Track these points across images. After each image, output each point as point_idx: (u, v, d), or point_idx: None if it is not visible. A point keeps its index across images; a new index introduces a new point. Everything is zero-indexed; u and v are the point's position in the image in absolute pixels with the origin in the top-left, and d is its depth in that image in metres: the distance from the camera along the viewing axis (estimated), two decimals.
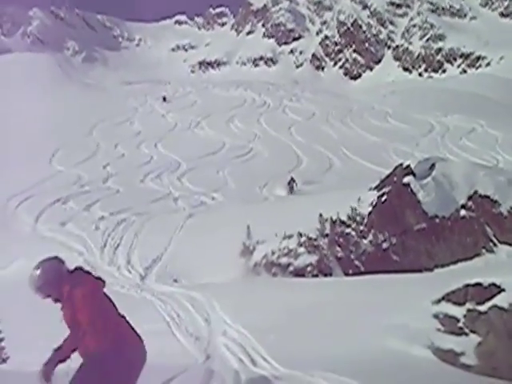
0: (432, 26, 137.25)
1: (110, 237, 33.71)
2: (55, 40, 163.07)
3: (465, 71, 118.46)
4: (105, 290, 5.72)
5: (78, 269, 5.72)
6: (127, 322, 5.63)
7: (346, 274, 24.59)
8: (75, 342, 5.41)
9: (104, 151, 61.40)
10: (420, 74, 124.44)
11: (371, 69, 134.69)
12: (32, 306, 20.99)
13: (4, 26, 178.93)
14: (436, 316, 12.29)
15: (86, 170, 53.84)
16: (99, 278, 5.75)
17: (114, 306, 5.68)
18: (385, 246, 26.09)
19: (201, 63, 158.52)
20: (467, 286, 11.94)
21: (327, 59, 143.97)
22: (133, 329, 5.57)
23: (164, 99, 78.02)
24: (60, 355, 5.62)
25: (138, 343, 5.48)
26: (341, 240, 26.00)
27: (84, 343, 5.33)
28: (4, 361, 14.07)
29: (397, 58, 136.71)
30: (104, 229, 35.39)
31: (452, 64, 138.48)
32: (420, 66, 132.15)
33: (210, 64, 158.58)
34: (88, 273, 5.66)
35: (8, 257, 31.87)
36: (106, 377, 5.13)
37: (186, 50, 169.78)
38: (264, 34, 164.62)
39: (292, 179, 45.03)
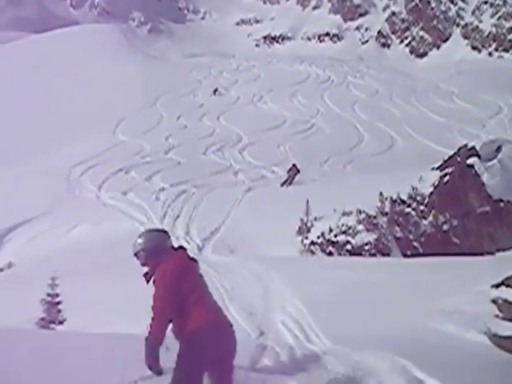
0: (505, 2, 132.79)
1: (169, 208, 34.09)
2: (121, 11, 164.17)
3: None
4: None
5: (181, 248, 5.77)
6: (219, 308, 5.65)
7: (405, 255, 24.32)
8: (165, 320, 5.33)
9: (167, 122, 61.87)
10: (490, 54, 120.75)
11: (438, 47, 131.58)
12: (92, 271, 21.55)
13: None
14: (494, 301, 12.07)
15: (148, 140, 54.40)
16: (195, 260, 5.79)
17: (207, 290, 5.70)
18: (445, 227, 25.68)
19: (265, 37, 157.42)
20: None
21: (393, 37, 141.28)
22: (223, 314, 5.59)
23: (215, 92, 73.51)
24: (157, 343, 5.38)
25: (227, 328, 5.49)
26: (400, 219, 25.70)
27: (178, 322, 5.36)
28: (61, 322, 14.44)
29: (465, 37, 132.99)
30: (164, 199, 35.82)
31: None
32: (490, 45, 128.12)
33: (274, 38, 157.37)
34: (184, 250, 5.69)
35: (71, 222, 32.65)
36: (203, 358, 5.12)
37: (251, 24, 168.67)
38: (330, 9, 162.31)
39: (294, 166, 39.43)
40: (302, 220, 26.90)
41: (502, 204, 27.22)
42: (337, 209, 26.65)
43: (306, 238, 26.04)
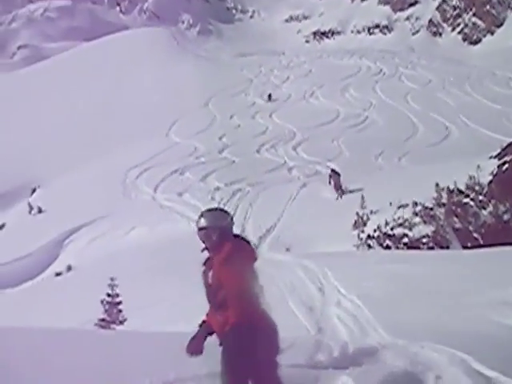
0: None
1: (225, 207, 34.21)
2: (170, 14, 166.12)
3: None
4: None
5: (239, 236, 5.61)
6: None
7: (464, 247, 23.86)
8: (215, 310, 5.24)
9: (219, 122, 62.26)
10: None
11: (492, 33, 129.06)
12: (150, 272, 21.77)
13: (122, 4, 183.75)
14: None
15: (202, 141, 54.82)
16: (254, 251, 5.57)
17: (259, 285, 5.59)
18: (506, 217, 25.12)
19: (315, 33, 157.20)
20: None
21: (445, 25, 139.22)
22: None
23: (269, 97, 71.63)
24: (207, 329, 5.37)
25: (273, 326, 5.38)
26: (458, 210, 25.24)
27: (224, 314, 5.17)
28: (121, 323, 14.61)
29: None
30: (219, 199, 36.02)
31: None
32: None
33: (324, 34, 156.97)
34: (248, 242, 5.56)
35: (129, 224, 33.10)
36: (249, 353, 5.05)
37: (300, 21, 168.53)
38: (379, 0, 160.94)
39: (333, 171, 35.39)
40: (357, 214, 26.71)
41: None
42: (393, 201, 26.36)
43: (362, 231, 25.83)
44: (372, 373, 7.21)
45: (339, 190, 32.88)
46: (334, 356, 8.40)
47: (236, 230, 20.40)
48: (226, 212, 5.59)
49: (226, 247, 5.19)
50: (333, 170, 35.23)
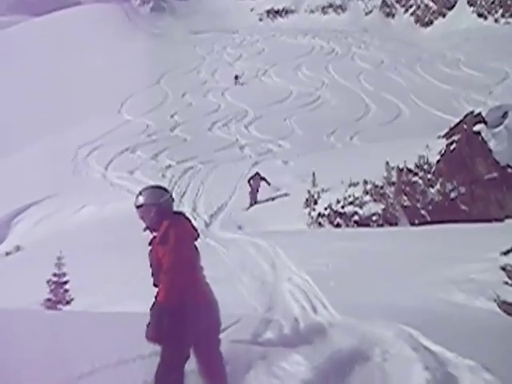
0: None
1: (176, 185, 34.10)
2: None
3: None
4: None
5: (180, 213, 5.47)
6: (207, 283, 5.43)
7: (412, 224, 24.21)
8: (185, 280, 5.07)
9: (172, 100, 61.79)
10: (496, 20, 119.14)
11: (444, 15, 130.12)
12: (100, 250, 21.55)
13: None
14: (504, 268, 11.96)
15: (153, 119, 54.35)
16: (195, 228, 5.48)
17: (199, 262, 5.47)
18: (453, 195, 25.54)
19: (268, 11, 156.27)
20: None
21: (398, 6, 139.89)
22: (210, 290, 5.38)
23: (236, 78, 69.13)
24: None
25: (210, 306, 5.27)
26: (407, 189, 25.55)
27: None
28: (68, 303, 14.42)
29: (471, 4, 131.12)
30: (171, 177, 35.81)
31: None
32: (496, 12, 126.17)
33: (277, 12, 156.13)
34: (189, 220, 5.40)
35: (79, 203, 32.68)
36: (193, 330, 4.97)
37: None
38: None
39: (257, 174, 30.61)
40: (309, 192, 26.81)
41: (509, 170, 27.03)
42: (344, 180, 26.54)
43: (313, 210, 25.95)
44: (321, 350, 7.24)
45: (253, 197, 28.66)
46: (284, 333, 8.42)
47: (187, 208, 20.41)
48: (164, 189, 5.49)
49: (164, 225, 5.10)
50: (257, 174, 30.08)
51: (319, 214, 25.59)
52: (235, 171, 34.78)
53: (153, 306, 5.09)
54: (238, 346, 7.10)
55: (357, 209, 24.99)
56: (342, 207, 25.32)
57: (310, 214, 25.87)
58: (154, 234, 5.25)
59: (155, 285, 5.11)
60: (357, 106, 56.28)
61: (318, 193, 26.78)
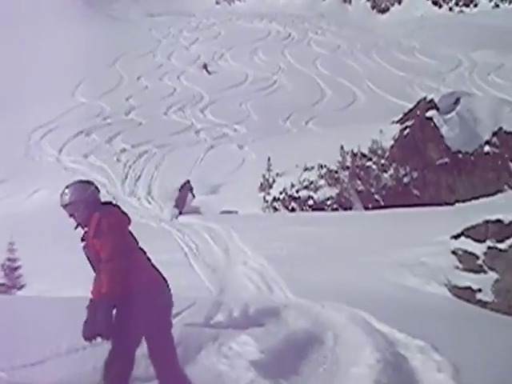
0: None
1: (131, 168, 33.86)
2: None
3: (497, 5, 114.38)
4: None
5: (108, 203, 5.31)
6: (152, 265, 5.31)
7: (366, 208, 24.47)
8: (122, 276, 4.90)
9: (127, 83, 61.03)
10: (450, 9, 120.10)
11: (400, 2, 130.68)
12: (52, 235, 21.28)
13: None
14: (454, 252, 12.16)
15: (108, 102, 53.63)
16: (125, 214, 5.26)
17: (138, 246, 5.35)
18: (406, 180, 25.89)
19: None
20: (487, 222, 11.77)
21: None
22: (158, 271, 5.26)
23: (205, 67, 65.02)
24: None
25: (157, 290, 5.16)
26: (362, 173, 25.81)
27: (97, 283, 4.95)
28: (20, 288, 14.26)
29: None
30: (125, 161, 35.51)
31: None
32: (451, 0, 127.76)
33: None
34: (117, 207, 5.22)
35: (31, 187, 32.17)
36: (142, 318, 4.89)
37: None
38: None
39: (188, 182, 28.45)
40: (263, 176, 26.86)
41: (460, 155, 27.50)
42: (298, 164, 26.64)
43: (268, 194, 26.03)
44: (273, 333, 7.28)
45: (181, 205, 25.80)
46: (234, 316, 8.44)
47: (142, 192, 20.25)
48: (87, 182, 5.31)
49: (95, 218, 4.98)
50: (188, 182, 27.65)
51: (274, 199, 25.69)
52: (190, 155, 34.63)
53: (91, 302, 4.99)
54: (190, 328, 7.11)
55: (311, 193, 25.15)
56: (297, 191, 25.45)
57: (265, 198, 25.94)
58: (86, 229, 5.12)
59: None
60: (313, 91, 56.32)
61: (273, 177, 26.86)
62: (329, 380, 6.06)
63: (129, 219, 5.19)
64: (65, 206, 5.11)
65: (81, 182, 5.28)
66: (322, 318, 8.39)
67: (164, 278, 5.19)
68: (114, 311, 4.90)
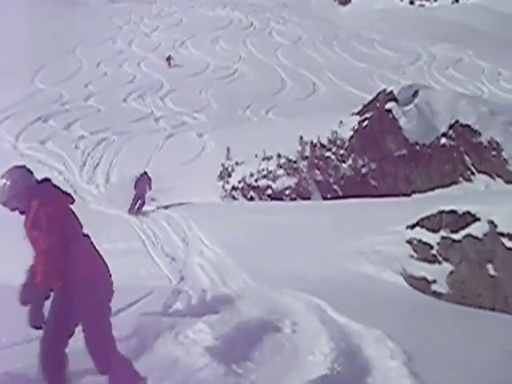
0: None
1: (89, 156, 33.55)
2: None
3: (457, 1, 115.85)
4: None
5: (47, 180, 5.04)
6: (94, 252, 5.18)
7: (325, 198, 24.63)
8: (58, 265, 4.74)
9: (86, 70, 60.28)
10: (411, 2, 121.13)
11: None
12: (9, 223, 20.99)
13: None
14: (410, 242, 12.33)
15: (67, 88, 52.91)
16: (68, 194, 5.06)
17: (81, 232, 5.21)
18: (364, 170, 26.13)
19: None
20: (442, 212, 11.94)
21: None
22: (100, 258, 5.13)
23: (168, 59, 61.01)
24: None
25: (97, 279, 5.03)
26: (320, 163, 25.97)
27: (33, 270, 4.85)
28: None
29: None
30: (84, 148, 35.17)
31: None
32: None
33: None
34: (56, 187, 4.97)
35: None
36: (80, 308, 4.78)
37: None
38: None
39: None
40: (223, 165, 26.85)
41: (417, 147, 27.86)
42: (258, 154, 26.67)
43: (227, 182, 26.04)
44: (228, 320, 7.31)
45: (138, 202, 21.85)
46: (192, 304, 8.46)
47: (100, 179, 20.02)
48: (15, 167, 4.96)
49: (32, 206, 4.78)
50: (145, 173, 23.50)
51: (233, 187, 25.71)
52: (150, 143, 34.45)
53: (25, 288, 4.89)
54: (148, 317, 7.13)
55: (270, 182, 25.23)
56: (256, 181, 25.51)
57: (223, 186, 25.95)
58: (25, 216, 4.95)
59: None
60: (273, 80, 56.37)
61: (232, 166, 26.86)
62: (285, 368, 6.11)
63: (72, 199, 5.03)
64: (4, 204, 4.90)
65: (9, 171, 5.01)
66: (278, 305, 8.45)
67: (106, 266, 5.07)
68: (51, 299, 4.83)
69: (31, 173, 4.92)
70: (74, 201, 5.02)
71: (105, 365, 4.87)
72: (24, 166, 4.98)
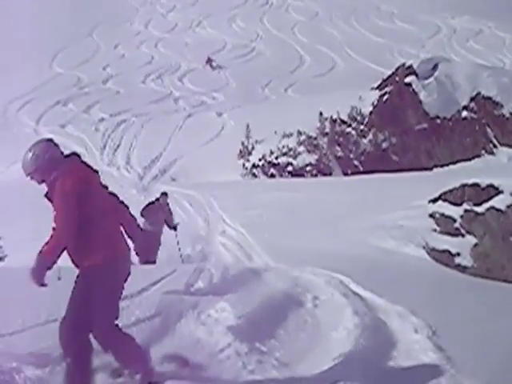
0: None
1: (109, 138, 33.68)
2: None
3: None
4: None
5: (74, 154, 4.95)
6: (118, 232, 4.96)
7: (345, 174, 24.56)
8: (62, 242, 4.70)
9: (104, 52, 60.39)
10: None
11: None
12: (31, 206, 21.15)
13: None
14: (432, 216, 12.26)
15: (85, 71, 53.10)
16: (95, 171, 4.94)
17: (114, 203, 5.03)
18: (384, 145, 25.97)
19: None
20: (464, 185, 11.84)
21: None
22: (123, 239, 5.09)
23: (209, 61, 55.15)
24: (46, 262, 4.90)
25: (124, 256, 5.01)
26: (341, 139, 25.86)
27: (79, 250, 4.74)
28: (1, 259, 14.19)
29: None
30: (104, 130, 35.30)
31: None
32: None
33: None
34: (84, 163, 4.88)
35: (9, 159, 31.90)
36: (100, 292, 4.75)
37: None
38: None
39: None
40: (242, 143, 26.83)
41: (438, 121, 27.61)
42: (277, 131, 26.61)
43: (248, 161, 26.04)
44: (250, 298, 7.29)
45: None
46: (213, 282, 8.46)
47: (121, 161, 20.00)
48: (45, 141, 4.93)
49: (52, 177, 4.78)
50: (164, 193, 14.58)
51: (253, 165, 25.70)
52: (169, 124, 34.48)
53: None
54: (170, 296, 7.13)
55: (291, 159, 25.18)
56: (276, 158, 25.47)
57: (244, 165, 25.95)
58: (51, 188, 4.87)
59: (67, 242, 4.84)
60: (291, 58, 56.12)
61: (252, 144, 26.83)
62: (309, 344, 6.09)
63: (97, 174, 4.95)
64: (30, 176, 4.85)
65: (39, 143, 4.95)
66: (300, 281, 8.42)
67: (127, 245, 5.02)
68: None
69: (57, 146, 4.85)
70: (99, 178, 4.94)
71: (108, 342, 4.82)
72: (50, 139, 4.93)
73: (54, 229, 4.63)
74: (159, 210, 13.40)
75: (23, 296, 6.84)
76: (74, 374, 4.73)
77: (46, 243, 4.63)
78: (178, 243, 13.36)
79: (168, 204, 13.83)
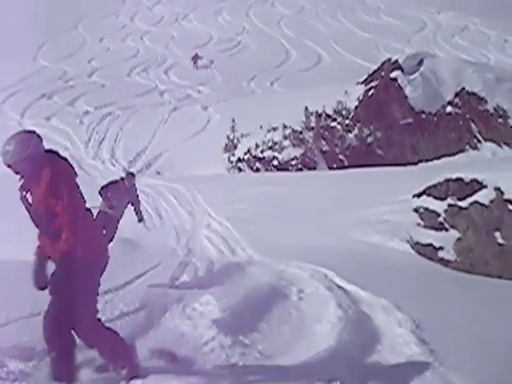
0: None
1: (94, 131, 33.54)
2: None
3: None
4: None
5: (53, 151, 4.84)
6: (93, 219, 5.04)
7: (331, 168, 24.61)
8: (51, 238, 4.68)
9: (89, 45, 60.05)
10: None
11: None
12: (15, 200, 21.05)
13: None
14: (416, 210, 12.32)
15: (71, 64, 52.77)
16: (72, 167, 4.85)
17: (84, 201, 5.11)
18: (369, 140, 26.04)
19: None
20: (448, 180, 11.90)
21: None
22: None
23: (195, 58, 52.81)
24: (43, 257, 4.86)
25: (104, 246, 5.01)
26: (326, 133, 25.90)
27: (58, 242, 4.65)
28: None
29: None
30: (89, 123, 35.16)
31: None
32: None
33: None
34: (64, 158, 4.79)
35: None
36: (71, 283, 4.68)
37: None
38: None
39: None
40: (228, 137, 26.80)
41: (423, 116, 27.73)
42: (263, 125, 26.61)
43: (233, 154, 26.03)
44: (235, 291, 7.30)
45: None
46: (199, 276, 8.48)
47: (106, 155, 19.86)
48: (28, 132, 4.81)
49: (47, 172, 4.69)
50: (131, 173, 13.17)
51: (239, 159, 25.69)
52: (154, 117, 34.39)
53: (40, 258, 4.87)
54: (155, 290, 7.14)
55: (276, 153, 25.20)
56: (262, 152, 25.48)
57: (229, 159, 25.93)
58: (28, 181, 4.81)
59: (45, 232, 4.79)
60: (277, 52, 56.05)
61: (238, 138, 26.82)
62: (294, 337, 6.11)
63: (75, 172, 4.94)
64: (9, 166, 4.78)
65: (21, 133, 4.89)
66: (285, 274, 8.45)
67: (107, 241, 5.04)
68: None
69: (41, 139, 4.76)
70: (77, 175, 4.93)
71: (92, 338, 4.81)
72: (34, 132, 4.85)
73: (64, 223, 4.59)
74: (124, 192, 11.55)
75: (7, 289, 6.82)
76: (59, 368, 4.72)
77: (52, 243, 4.64)
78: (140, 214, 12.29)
79: (135, 185, 11.92)
